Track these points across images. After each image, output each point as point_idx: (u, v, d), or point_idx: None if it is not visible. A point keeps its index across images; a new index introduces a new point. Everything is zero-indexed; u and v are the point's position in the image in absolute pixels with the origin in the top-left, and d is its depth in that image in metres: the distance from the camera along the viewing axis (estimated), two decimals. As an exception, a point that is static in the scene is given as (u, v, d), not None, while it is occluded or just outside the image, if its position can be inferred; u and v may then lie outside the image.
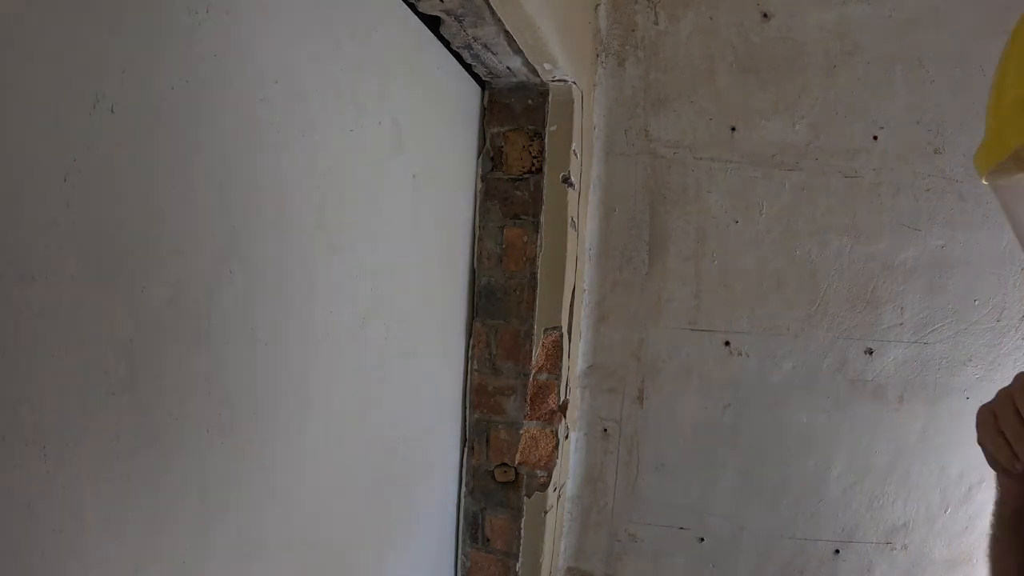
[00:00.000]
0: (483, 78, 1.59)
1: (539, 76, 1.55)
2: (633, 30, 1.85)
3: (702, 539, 1.83)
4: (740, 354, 1.80)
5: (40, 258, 0.57)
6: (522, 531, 1.66)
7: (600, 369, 1.88)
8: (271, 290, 0.89)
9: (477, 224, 1.65)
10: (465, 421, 1.69)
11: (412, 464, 1.41)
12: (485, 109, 1.63)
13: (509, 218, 1.63)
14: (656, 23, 1.83)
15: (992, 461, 0.63)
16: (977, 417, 0.63)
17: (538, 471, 1.66)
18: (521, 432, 1.65)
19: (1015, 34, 0.54)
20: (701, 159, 1.81)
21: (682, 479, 1.83)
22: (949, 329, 1.69)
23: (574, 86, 1.61)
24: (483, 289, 1.66)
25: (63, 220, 0.59)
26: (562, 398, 1.67)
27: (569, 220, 1.63)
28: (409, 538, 1.44)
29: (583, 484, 1.90)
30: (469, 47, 1.39)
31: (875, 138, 1.71)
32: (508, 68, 1.51)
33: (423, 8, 1.23)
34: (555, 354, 1.65)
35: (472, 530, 1.71)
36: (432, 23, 1.29)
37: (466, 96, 1.56)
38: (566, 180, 1.62)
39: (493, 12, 1.21)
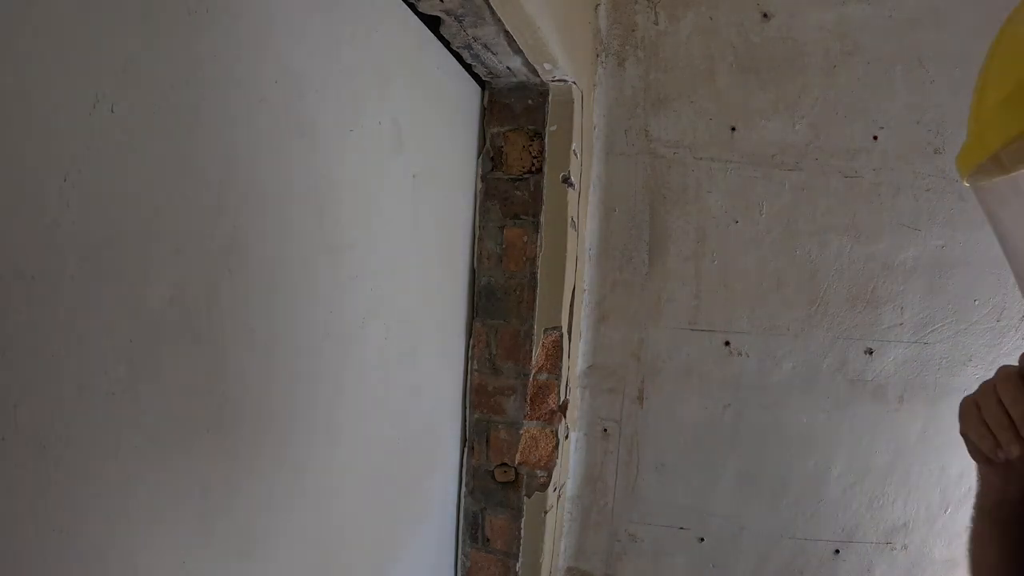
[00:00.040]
0: (483, 78, 1.59)
1: (539, 76, 1.55)
2: (633, 30, 1.85)
3: (702, 539, 1.83)
4: (740, 354, 1.80)
5: (40, 258, 0.57)
6: (522, 531, 1.66)
7: (600, 369, 1.88)
8: (271, 290, 0.89)
9: (477, 224, 1.65)
10: (465, 421, 1.69)
11: (412, 464, 1.41)
12: (485, 109, 1.63)
13: (509, 218, 1.63)
14: (656, 23, 1.84)
15: (974, 451, 0.64)
16: (960, 408, 0.63)
17: (538, 471, 1.66)
18: (521, 432, 1.65)
19: (997, 39, 0.54)
20: (701, 159, 1.81)
21: (682, 479, 1.83)
22: (949, 329, 1.69)
23: (574, 86, 1.61)
24: (483, 289, 1.66)
25: (63, 220, 0.59)
26: (562, 398, 1.67)
27: (569, 220, 1.63)
28: (409, 538, 1.44)
29: (583, 484, 1.90)
30: (469, 47, 1.39)
31: (875, 138, 1.71)
32: (508, 68, 1.51)
33: (423, 8, 1.23)
34: (555, 354, 1.65)
35: (472, 530, 1.71)
36: (432, 23, 1.29)
37: (466, 96, 1.56)
38: (566, 180, 1.62)
39: (493, 12, 1.21)
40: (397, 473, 1.33)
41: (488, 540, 1.69)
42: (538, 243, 1.61)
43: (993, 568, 0.71)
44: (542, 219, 1.61)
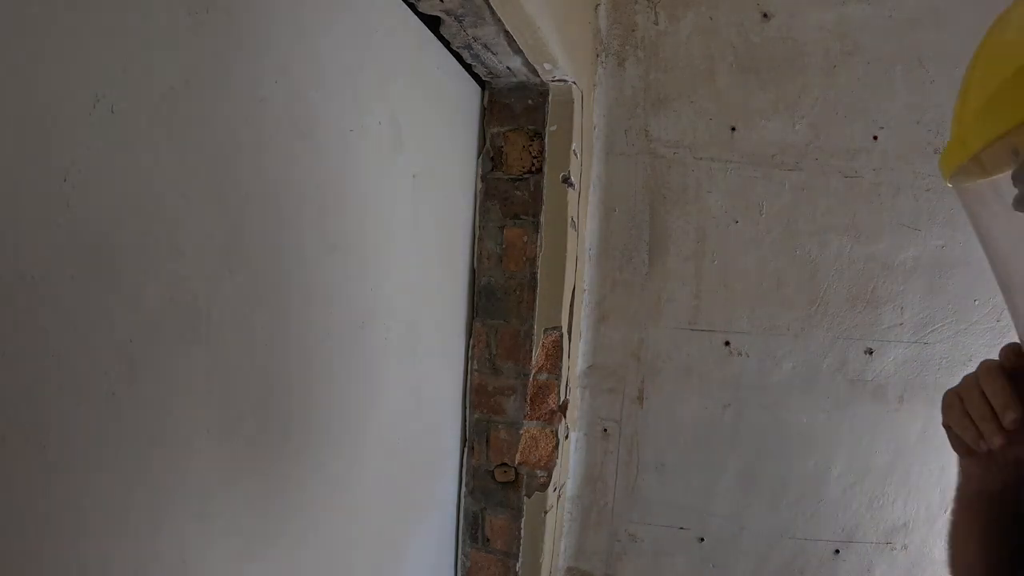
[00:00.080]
0: (483, 78, 1.59)
1: (539, 76, 1.55)
2: (633, 30, 1.85)
3: (702, 539, 1.83)
4: (740, 354, 1.80)
5: (40, 258, 0.57)
6: (522, 531, 1.66)
7: (600, 369, 1.88)
8: (271, 290, 0.89)
9: (477, 224, 1.65)
10: (465, 421, 1.69)
11: (412, 464, 1.41)
12: (485, 109, 1.63)
13: (509, 218, 1.63)
14: (656, 23, 1.84)
15: (956, 443, 0.66)
16: (943, 401, 0.65)
17: (538, 471, 1.66)
18: (521, 432, 1.65)
19: (982, 44, 0.55)
20: (701, 159, 1.81)
21: (682, 479, 1.83)
22: (949, 329, 1.69)
23: (574, 86, 1.61)
24: (483, 289, 1.66)
25: (63, 220, 0.59)
26: (562, 398, 1.67)
27: (569, 220, 1.63)
28: (409, 538, 1.44)
29: (583, 484, 1.90)
30: (469, 47, 1.39)
31: (875, 138, 1.71)
32: (508, 68, 1.51)
33: (423, 8, 1.23)
34: (555, 354, 1.65)
35: (472, 530, 1.71)
36: (432, 23, 1.29)
37: (466, 96, 1.56)
38: (566, 180, 1.62)
39: (493, 12, 1.21)
40: (397, 473, 1.33)
41: (488, 540, 1.69)
42: (538, 243, 1.61)
43: (973, 560, 0.72)
44: (542, 219, 1.61)
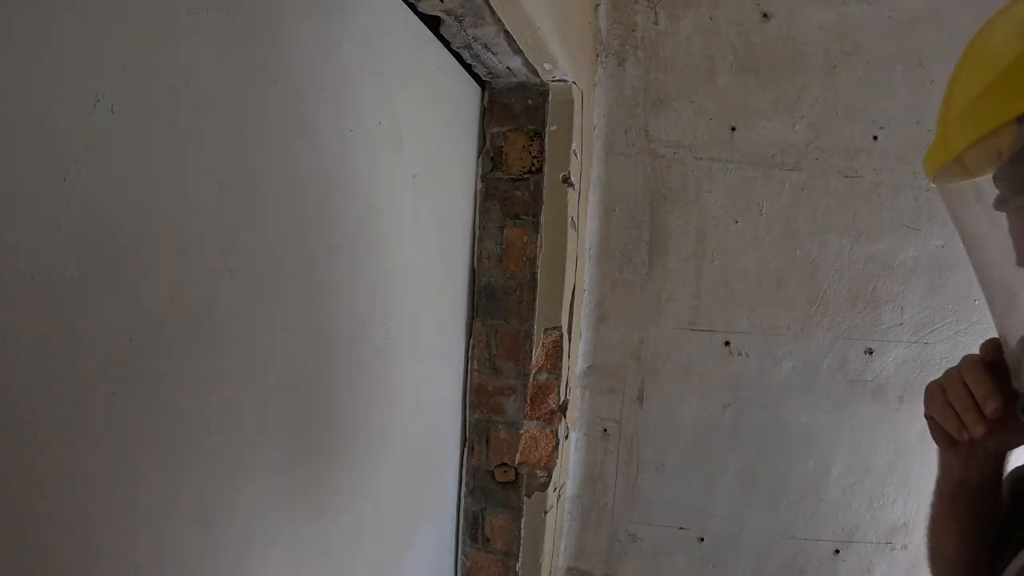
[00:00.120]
0: (483, 78, 1.59)
1: (539, 76, 1.55)
2: (633, 30, 1.85)
3: (702, 539, 1.83)
4: (740, 354, 1.80)
5: (40, 258, 0.57)
6: (522, 531, 1.66)
7: (600, 369, 1.88)
8: (271, 290, 0.89)
9: (477, 224, 1.65)
10: (465, 421, 1.69)
11: (412, 464, 1.41)
12: (485, 109, 1.63)
13: (509, 218, 1.63)
14: (656, 23, 1.84)
15: (938, 433, 0.67)
16: (926, 392, 0.66)
17: (538, 471, 1.66)
18: (521, 432, 1.65)
19: (968, 48, 0.58)
20: (701, 159, 1.81)
21: (682, 479, 1.83)
22: (949, 329, 1.69)
23: (574, 86, 1.61)
24: (483, 289, 1.66)
25: (63, 220, 0.59)
26: (562, 398, 1.67)
27: (569, 220, 1.63)
28: (410, 538, 1.44)
29: (583, 484, 1.90)
30: (469, 47, 1.39)
31: (875, 138, 1.71)
32: (508, 68, 1.51)
33: (423, 8, 1.23)
34: (555, 354, 1.65)
35: (472, 530, 1.71)
36: (432, 23, 1.29)
37: (466, 96, 1.56)
38: (566, 180, 1.62)
39: (493, 12, 1.21)
40: (397, 473, 1.33)
41: (488, 540, 1.69)
42: (538, 243, 1.61)
43: (952, 553, 0.73)
44: (542, 219, 1.61)
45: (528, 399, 1.64)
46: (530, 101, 1.61)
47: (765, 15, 1.77)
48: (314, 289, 0.98)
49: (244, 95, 0.81)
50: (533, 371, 1.64)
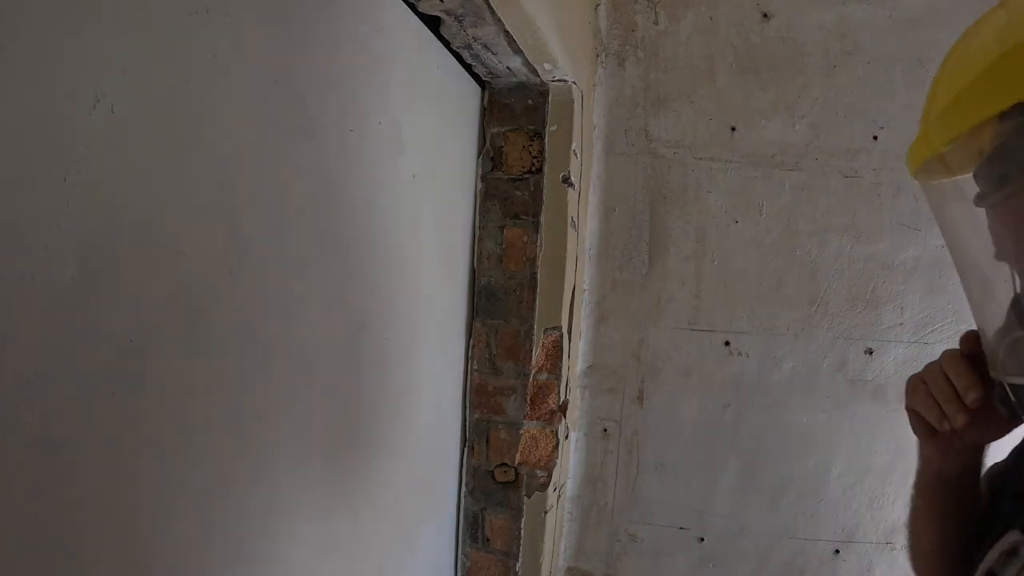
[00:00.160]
0: (483, 78, 1.59)
1: (539, 76, 1.55)
2: (633, 30, 1.85)
3: (702, 539, 1.83)
4: (740, 354, 1.80)
5: (40, 258, 0.57)
6: (522, 531, 1.66)
7: (600, 369, 1.88)
8: (271, 290, 0.89)
9: (477, 224, 1.65)
10: (465, 421, 1.69)
11: (412, 464, 1.41)
12: (485, 109, 1.63)
13: (509, 218, 1.63)
14: (656, 23, 1.84)
15: (919, 426, 0.68)
16: (907, 385, 0.67)
17: (538, 471, 1.66)
18: (521, 432, 1.65)
19: (953, 48, 0.59)
20: (701, 159, 1.81)
21: (682, 479, 1.83)
22: (949, 329, 1.69)
23: (574, 86, 1.61)
24: (483, 289, 1.66)
25: (63, 220, 0.59)
26: (562, 398, 1.67)
27: (569, 220, 1.63)
28: (410, 538, 1.44)
29: (583, 484, 1.90)
30: (469, 47, 1.39)
31: (875, 138, 1.71)
32: (508, 68, 1.51)
33: (423, 8, 1.23)
34: (555, 354, 1.65)
35: (472, 530, 1.71)
36: (432, 23, 1.29)
37: (466, 96, 1.56)
38: (566, 180, 1.62)
39: (493, 12, 1.21)
40: (397, 474, 1.33)
41: (488, 540, 1.69)
42: (538, 243, 1.61)
43: (930, 548, 0.74)
44: (542, 219, 1.61)
45: (528, 399, 1.64)
46: (530, 101, 1.61)
47: (765, 15, 1.77)
48: (314, 289, 0.98)
49: (244, 95, 0.81)
50: (533, 371, 1.64)
